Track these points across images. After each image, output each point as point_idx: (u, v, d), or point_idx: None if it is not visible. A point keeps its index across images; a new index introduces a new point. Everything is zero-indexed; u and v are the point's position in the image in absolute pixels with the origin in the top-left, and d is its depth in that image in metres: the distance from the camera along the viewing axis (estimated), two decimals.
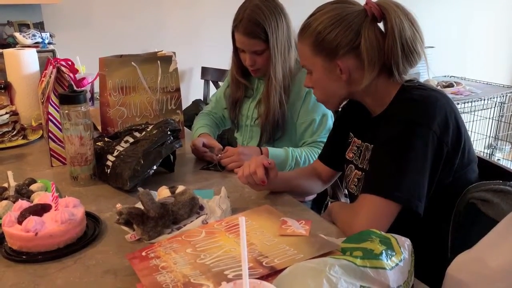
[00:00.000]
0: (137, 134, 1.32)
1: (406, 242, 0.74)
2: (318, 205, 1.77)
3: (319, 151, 1.51)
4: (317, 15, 1.03)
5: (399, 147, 0.95)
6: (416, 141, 0.94)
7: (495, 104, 3.31)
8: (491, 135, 3.42)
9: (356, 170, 1.14)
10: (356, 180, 1.13)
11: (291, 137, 1.59)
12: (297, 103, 1.53)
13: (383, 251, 0.70)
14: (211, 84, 2.90)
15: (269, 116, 1.52)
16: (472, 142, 1.08)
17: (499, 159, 3.51)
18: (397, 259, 0.70)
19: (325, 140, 1.48)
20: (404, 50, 0.97)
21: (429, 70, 1.08)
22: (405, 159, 0.94)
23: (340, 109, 1.26)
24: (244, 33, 1.45)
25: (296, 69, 1.53)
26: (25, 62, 1.73)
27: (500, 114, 3.37)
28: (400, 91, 1.02)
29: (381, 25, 1.00)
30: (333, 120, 1.57)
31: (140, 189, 0.99)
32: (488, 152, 3.57)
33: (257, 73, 1.55)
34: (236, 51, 1.56)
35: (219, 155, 1.39)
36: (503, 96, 3.29)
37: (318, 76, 1.06)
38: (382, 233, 0.76)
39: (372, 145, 1.07)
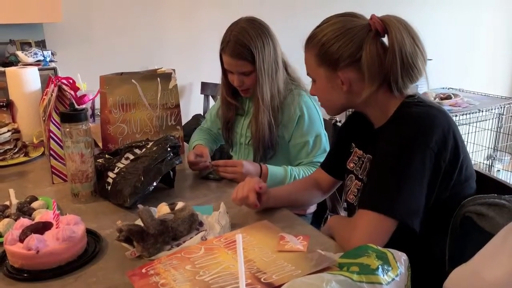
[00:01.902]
0: (137, 150, 1.33)
1: (402, 257, 0.75)
2: (318, 218, 1.78)
3: None
4: (323, 26, 1.05)
5: (396, 164, 0.96)
6: (413, 158, 0.95)
7: (494, 116, 3.33)
8: (490, 146, 3.43)
9: (356, 181, 1.15)
10: (356, 190, 1.14)
11: (285, 156, 1.60)
12: (290, 124, 1.54)
13: (380, 266, 0.70)
14: (210, 99, 2.93)
15: (259, 137, 1.53)
16: (471, 153, 1.09)
17: (499, 170, 3.51)
18: (394, 274, 0.71)
19: (321, 160, 1.50)
20: (404, 65, 0.99)
21: (428, 84, 1.09)
22: (403, 176, 0.95)
23: (346, 119, 1.27)
24: (231, 55, 1.48)
25: (287, 91, 1.55)
26: (27, 80, 1.75)
27: (499, 125, 3.38)
28: (400, 106, 1.03)
29: (385, 40, 1.02)
30: (328, 140, 1.59)
31: (140, 206, 1.00)
32: (488, 163, 3.57)
33: (247, 93, 1.57)
34: (224, 72, 1.58)
35: (210, 162, 1.43)
36: (501, 107, 3.31)
37: (321, 85, 1.09)
38: (379, 248, 0.77)
39: (370, 156, 1.08)
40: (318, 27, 1.07)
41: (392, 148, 0.97)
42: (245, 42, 1.46)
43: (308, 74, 1.14)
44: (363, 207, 0.98)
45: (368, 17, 1.04)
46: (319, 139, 1.55)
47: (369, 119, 1.11)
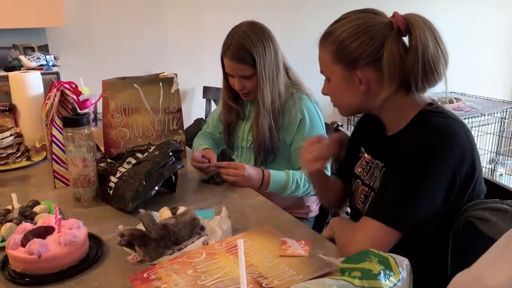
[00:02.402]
0: (139, 155, 1.33)
1: (404, 262, 0.75)
2: (320, 223, 1.78)
3: None
4: (341, 22, 1.01)
5: (410, 176, 0.93)
6: (429, 172, 0.92)
7: (496, 120, 3.32)
8: (492, 151, 3.42)
9: (362, 186, 1.13)
10: (362, 196, 1.12)
11: (286, 159, 1.60)
12: (291, 128, 1.54)
13: (381, 271, 0.70)
14: (212, 103, 2.93)
15: (260, 140, 1.54)
16: None
17: (501, 174, 3.51)
18: (395, 279, 0.71)
19: None
20: (425, 68, 0.95)
21: (446, 88, 1.02)
22: (415, 190, 0.93)
23: (357, 122, 1.25)
24: (232, 58, 1.48)
25: (288, 94, 1.55)
26: (29, 84, 1.76)
27: (501, 129, 3.38)
28: (419, 115, 0.99)
29: (405, 39, 0.98)
30: None
31: (142, 210, 1.01)
32: (490, 168, 3.56)
33: (248, 97, 1.57)
34: (225, 76, 1.59)
35: (214, 167, 1.42)
36: (503, 112, 3.31)
37: (336, 84, 1.04)
38: (381, 253, 0.77)
39: (382, 164, 1.06)
40: (336, 22, 1.03)
41: (408, 158, 0.94)
42: (246, 46, 1.46)
43: (321, 72, 1.08)
44: (369, 214, 0.96)
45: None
46: None
47: (383, 124, 1.08)
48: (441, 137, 0.93)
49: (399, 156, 0.97)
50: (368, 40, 0.97)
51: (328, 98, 1.11)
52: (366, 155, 1.15)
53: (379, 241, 0.92)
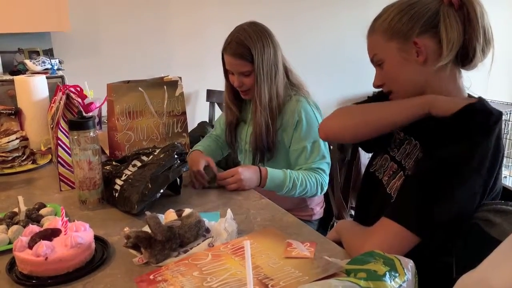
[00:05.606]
0: (144, 158, 1.34)
1: (409, 263, 0.75)
2: (324, 225, 1.78)
3: (317, 176, 1.52)
4: (385, 8, 1.01)
5: (441, 184, 0.91)
6: (463, 182, 0.91)
7: None
8: None
9: (392, 162, 1.10)
10: (391, 172, 1.09)
11: (286, 162, 1.61)
12: (289, 129, 1.56)
13: (387, 272, 0.71)
14: (216, 106, 2.95)
15: (257, 135, 1.55)
16: None
17: (505, 176, 3.50)
18: (401, 280, 0.71)
19: (320, 166, 1.50)
20: (485, 36, 0.94)
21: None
22: (445, 198, 0.91)
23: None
24: (232, 54, 1.52)
25: (286, 96, 1.57)
26: (35, 88, 1.78)
27: (505, 132, 3.37)
28: (470, 108, 0.95)
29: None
30: (327, 147, 1.57)
31: (148, 213, 1.01)
32: None
33: (247, 95, 1.59)
34: (226, 75, 1.61)
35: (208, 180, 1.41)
36: (507, 114, 3.31)
37: (392, 63, 1.01)
38: (386, 254, 0.77)
39: (416, 141, 1.03)
40: (378, 14, 1.02)
41: (442, 166, 0.92)
42: (246, 42, 1.50)
43: (372, 60, 1.05)
44: (390, 216, 0.94)
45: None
46: (317, 145, 1.55)
47: None
48: (480, 148, 0.91)
49: (430, 161, 0.94)
50: (420, 11, 0.95)
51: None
52: (399, 131, 1.12)
53: (397, 244, 0.91)
